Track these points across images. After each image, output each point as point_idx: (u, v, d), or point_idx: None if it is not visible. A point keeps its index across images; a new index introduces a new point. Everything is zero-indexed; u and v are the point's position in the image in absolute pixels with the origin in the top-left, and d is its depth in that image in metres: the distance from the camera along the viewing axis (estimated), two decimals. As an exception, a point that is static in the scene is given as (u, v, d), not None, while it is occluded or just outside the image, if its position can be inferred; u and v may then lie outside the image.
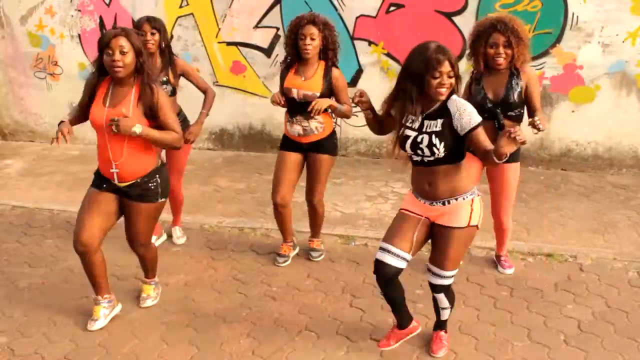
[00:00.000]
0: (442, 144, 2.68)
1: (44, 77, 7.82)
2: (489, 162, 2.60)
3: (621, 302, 3.59)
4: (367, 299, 3.72)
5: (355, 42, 6.42)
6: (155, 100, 3.12)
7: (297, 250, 4.36)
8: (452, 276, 2.93)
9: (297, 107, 3.87)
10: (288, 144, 4.03)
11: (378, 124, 3.01)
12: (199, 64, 6.96)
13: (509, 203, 3.77)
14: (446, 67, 2.59)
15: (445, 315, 3.11)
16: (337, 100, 3.88)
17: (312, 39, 3.72)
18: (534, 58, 5.80)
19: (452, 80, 2.64)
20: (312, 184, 4.06)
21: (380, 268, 2.88)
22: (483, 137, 2.65)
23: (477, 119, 2.67)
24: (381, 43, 6.35)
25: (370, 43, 6.39)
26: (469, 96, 3.56)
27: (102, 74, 3.17)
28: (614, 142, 5.98)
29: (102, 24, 7.32)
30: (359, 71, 6.50)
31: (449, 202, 2.81)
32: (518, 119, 3.55)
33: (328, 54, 3.82)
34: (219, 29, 6.86)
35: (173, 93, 4.16)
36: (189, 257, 4.36)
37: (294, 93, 3.84)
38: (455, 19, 6.01)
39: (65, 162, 7.06)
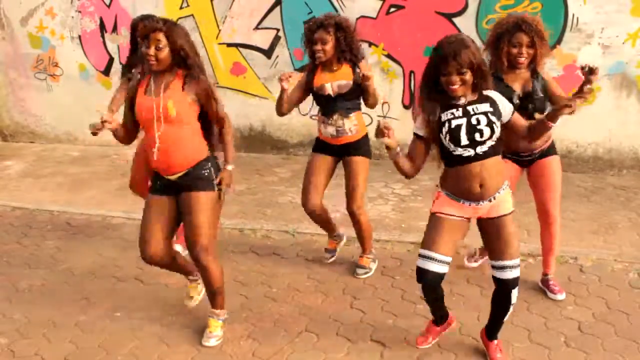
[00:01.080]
0: (499, 123, 2.70)
1: (45, 78, 7.82)
2: (535, 135, 2.77)
3: (622, 303, 3.59)
4: (367, 300, 3.72)
5: (356, 43, 6.42)
6: (202, 89, 3.08)
7: (344, 241, 4.24)
8: (519, 264, 2.84)
9: (333, 105, 3.75)
10: (321, 146, 3.92)
11: (409, 159, 2.84)
12: (199, 65, 6.96)
13: (558, 197, 3.65)
14: (452, 66, 2.57)
15: (509, 314, 2.95)
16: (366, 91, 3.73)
17: (324, 44, 3.65)
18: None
19: (466, 77, 2.61)
20: (350, 189, 3.86)
21: (424, 276, 2.82)
22: (519, 118, 2.78)
23: (511, 105, 2.80)
24: (381, 44, 6.36)
25: (370, 44, 6.39)
26: None
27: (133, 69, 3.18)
28: (614, 143, 5.98)
29: (102, 25, 7.33)
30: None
31: (494, 198, 2.78)
32: (542, 113, 3.54)
33: (345, 55, 3.70)
34: (219, 30, 6.87)
35: None
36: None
37: (328, 89, 3.73)
38: (456, 20, 6.01)
39: (66, 164, 7.06)
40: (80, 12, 7.36)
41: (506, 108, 2.75)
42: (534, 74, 3.46)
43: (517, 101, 3.42)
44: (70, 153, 7.50)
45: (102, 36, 7.37)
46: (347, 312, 3.61)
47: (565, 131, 6.05)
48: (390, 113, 6.41)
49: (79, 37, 7.48)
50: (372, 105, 3.82)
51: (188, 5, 6.89)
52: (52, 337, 3.43)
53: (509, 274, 2.81)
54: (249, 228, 4.88)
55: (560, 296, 3.66)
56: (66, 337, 3.42)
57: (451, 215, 2.83)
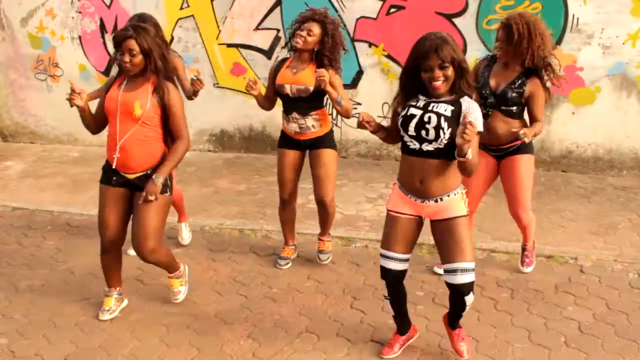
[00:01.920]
0: (450, 130, 2.63)
1: (45, 78, 7.82)
2: (462, 170, 2.71)
3: (622, 303, 3.59)
4: (367, 300, 3.72)
5: (356, 43, 6.42)
6: (166, 100, 3.24)
7: (296, 254, 4.34)
8: (474, 269, 2.77)
9: (292, 104, 3.81)
10: (286, 140, 4.00)
11: (394, 134, 2.91)
12: (199, 66, 6.97)
13: (524, 196, 3.67)
14: (434, 60, 2.55)
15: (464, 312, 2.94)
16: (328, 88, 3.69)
17: (309, 35, 3.66)
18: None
19: (448, 72, 2.59)
20: (319, 181, 3.94)
21: (386, 274, 2.91)
22: (476, 146, 2.67)
23: (480, 126, 2.65)
24: (381, 45, 6.36)
25: (370, 45, 6.39)
26: (476, 72, 3.60)
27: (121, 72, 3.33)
28: (614, 143, 5.98)
29: (102, 26, 7.33)
30: (359, 73, 6.50)
31: (441, 200, 2.77)
32: (511, 115, 3.55)
33: (323, 59, 3.71)
34: (220, 31, 6.87)
35: None
36: (189, 259, 4.35)
37: (287, 89, 3.77)
38: (456, 20, 6.01)
39: (66, 164, 7.06)
40: (80, 12, 7.36)
41: (476, 120, 2.61)
42: (521, 77, 3.49)
43: (486, 93, 3.52)
44: (71, 153, 7.50)
45: (103, 37, 7.37)
46: (347, 312, 3.61)
47: (566, 131, 6.06)
48: (390, 113, 6.40)
49: (79, 37, 7.48)
50: (341, 114, 3.77)
51: (188, 6, 6.88)
52: (53, 337, 3.43)
53: (459, 278, 2.74)
54: (249, 228, 4.88)
55: (527, 269, 3.92)
56: (66, 338, 3.42)
57: (402, 213, 2.86)
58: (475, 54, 5.62)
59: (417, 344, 3.23)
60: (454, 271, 2.75)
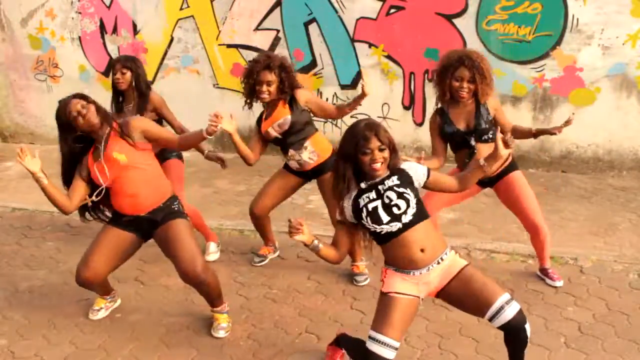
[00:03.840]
0: (409, 189, 2.64)
1: (45, 79, 7.83)
2: (469, 182, 2.76)
3: (622, 304, 3.59)
4: (367, 301, 3.72)
5: (356, 44, 6.42)
6: (135, 132, 3.24)
7: (277, 254, 4.36)
8: (512, 297, 2.65)
9: (284, 143, 3.87)
10: (290, 168, 4.01)
11: (334, 249, 2.78)
12: (199, 66, 6.97)
13: (534, 204, 3.69)
14: (374, 142, 2.58)
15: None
16: (323, 109, 3.87)
17: (269, 85, 3.73)
18: (535, 60, 5.85)
19: (385, 154, 2.61)
20: (330, 206, 3.89)
21: (373, 359, 2.63)
22: (443, 175, 2.77)
23: (425, 169, 2.74)
24: (381, 45, 6.35)
25: (370, 45, 6.39)
26: (438, 128, 3.63)
27: (81, 144, 3.30)
28: (614, 144, 5.98)
29: (102, 27, 7.33)
30: (359, 73, 6.50)
31: (442, 260, 2.69)
32: (492, 140, 3.55)
33: (285, 96, 3.79)
34: (219, 32, 6.87)
35: None
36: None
37: (272, 133, 3.84)
38: (456, 21, 6.01)
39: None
40: (80, 13, 7.37)
41: (418, 173, 2.70)
42: (479, 104, 3.56)
43: (460, 137, 3.57)
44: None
45: (102, 37, 7.37)
46: (347, 313, 3.61)
47: (565, 132, 6.02)
48: (390, 114, 6.40)
49: (79, 38, 7.48)
50: (337, 115, 3.90)
51: (188, 6, 6.89)
52: (52, 338, 3.43)
53: (508, 312, 2.58)
54: (249, 229, 4.87)
55: (559, 282, 3.79)
56: (66, 338, 3.42)
57: (402, 294, 2.68)
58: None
59: (418, 344, 3.23)
60: (499, 311, 2.59)
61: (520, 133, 3.71)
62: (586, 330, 3.33)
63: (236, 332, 3.43)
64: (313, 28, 6.55)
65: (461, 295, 2.68)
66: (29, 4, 7.52)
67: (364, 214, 2.65)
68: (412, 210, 2.63)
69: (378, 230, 2.65)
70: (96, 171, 3.20)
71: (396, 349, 2.65)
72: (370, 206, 2.65)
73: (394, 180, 2.66)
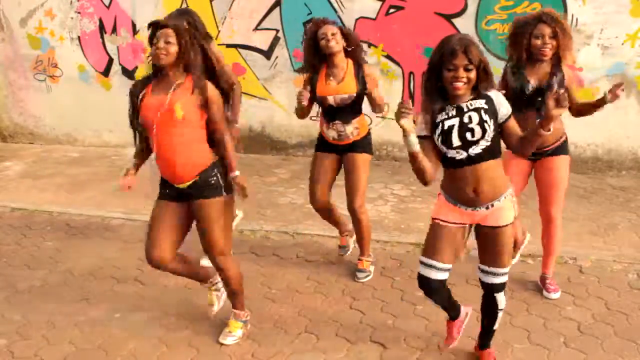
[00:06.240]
0: (492, 121, 2.57)
1: (44, 79, 7.83)
2: (525, 148, 2.60)
3: (621, 304, 3.59)
4: (367, 301, 3.72)
5: (355, 44, 6.42)
6: (208, 95, 3.01)
7: (354, 237, 4.18)
8: (507, 272, 2.82)
9: (335, 112, 3.80)
10: (324, 145, 3.96)
11: (433, 159, 2.67)
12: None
13: (559, 196, 3.61)
14: (461, 59, 2.46)
15: (498, 321, 2.93)
16: (370, 94, 3.77)
17: (333, 35, 3.65)
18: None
19: (471, 75, 2.51)
20: (351, 187, 3.89)
21: (426, 284, 2.80)
22: (516, 125, 2.63)
23: (510, 108, 2.65)
24: (381, 45, 6.36)
25: (369, 45, 6.39)
26: (506, 86, 3.50)
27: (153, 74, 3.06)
28: (613, 144, 5.98)
29: (101, 26, 7.33)
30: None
31: (492, 206, 2.69)
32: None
33: (355, 51, 3.76)
34: (219, 31, 6.87)
35: None
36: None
37: (330, 100, 3.76)
38: (455, 21, 6.02)
39: (65, 164, 7.06)
40: (79, 13, 7.37)
41: (502, 108, 2.61)
42: (556, 67, 3.45)
43: (529, 92, 3.43)
44: (70, 154, 7.50)
45: (102, 37, 7.37)
46: (347, 312, 3.61)
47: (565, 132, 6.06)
48: (390, 114, 6.39)
49: (79, 38, 7.48)
50: (378, 112, 3.89)
51: (187, 6, 6.88)
52: (52, 338, 3.43)
53: (494, 279, 2.81)
54: (248, 229, 4.88)
55: (555, 295, 3.68)
56: (66, 338, 3.42)
57: (449, 222, 2.76)
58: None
59: (417, 344, 3.23)
60: (489, 273, 2.81)
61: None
62: (585, 330, 3.33)
63: (236, 332, 3.43)
64: (313, 28, 6.55)
65: (482, 241, 2.82)
66: (28, 3, 7.52)
67: (438, 131, 2.61)
68: (485, 143, 2.58)
69: (444, 152, 2.64)
70: (149, 103, 2.99)
71: (446, 270, 2.78)
72: (447, 124, 2.59)
73: (482, 103, 2.57)
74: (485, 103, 2.59)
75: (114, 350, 3.30)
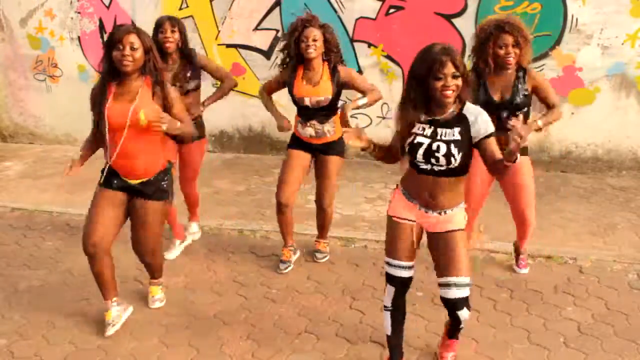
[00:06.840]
0: (461, 154, 2.60)
1: (44, 79, 7.82)
2: (498, 171, 2.58)
3: (621, 304, 3.59)
4: (366, 301, 3.72)
5: (355, 44, 6.42)
6: (167, 97, 3.18)
7: (297, 255, 4.32)
8: (469, 284, 2.73)
9: (311, 113, 3.87)
10: (297, 143, 4.02)
11: (387, 152, 2.85)
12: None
13: (530, 195, 3.67)
14: (449, 68, 2.49)
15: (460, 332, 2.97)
16: (360, 92, 3.84)
17: (314, 41, 3.70)
18: (534, 60, 5.82)
19: (458, 82, 2.53)
20: (323, 186, 4.04)
21: (393, 280, 2.86)
22: (495, 147, 2.60)
23: (492, 127, 2.63)
24: (380, 45, 6.36)
25: (369, 45, 6.39)
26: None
27: (111, 75, 3.14)
28: (613, 144, 5.98)
29: (102, 26, 7.33)
30: (359, 73, 6.49)
31: (445, 212, 2.74)
32: (525, 118, 3.58)
33: (331, 55, 3.81)
34: (219, 31, 6.87)
35: (197, 87, 4.30)
36: (188, 259, 4.36)
37: (307, 102, 3.83)
38: (455, 21, 6.02)
39: (65, 164, 7.06)
40: (79, 13, 7.36)
41: (481, 129, 2.59)
42: (519, 78, 3.50)
43: (492, 108, 3.41)
44: (70, 154, 7.47)
45: (102, 37, 7.37)
46: (347, 313, 3.61)
47: (565, 132, 6.06)
48: (390, 114, 6.41)
49: (79, 38, 7.48)
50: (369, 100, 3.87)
51: (187, 6, 6.88)
52: (52, 338, 3.43)
53: (454, 292, 2.69)
54: (248, 229, 4.88)
55: (523, 270, 3.96)
56: (65, 338, 3.42)
57: (404, 219, 2.80)
58: (474, 54, 5.61)
59: (417, 345, 3.23)
60: (448, 285, 2.71)
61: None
62: (585, 330, 3.33)
63: (235, 332, 3.43)
64: (312, 28, 6.55)
65: (435, 251, 2.81)
66: (28, 3, 7.51)
67: (409, 140, 2.66)
68: (449, 167, 2.63)
69: (409, 155, 2.71)
70: (114, 109, 3.12)
71: (411, 267, 2.84)
72: (418, 140, 2.64)
73: (455, 134, 2.60)
74: (459, 132, 2.61)
75: (113, 350, 3.30)
